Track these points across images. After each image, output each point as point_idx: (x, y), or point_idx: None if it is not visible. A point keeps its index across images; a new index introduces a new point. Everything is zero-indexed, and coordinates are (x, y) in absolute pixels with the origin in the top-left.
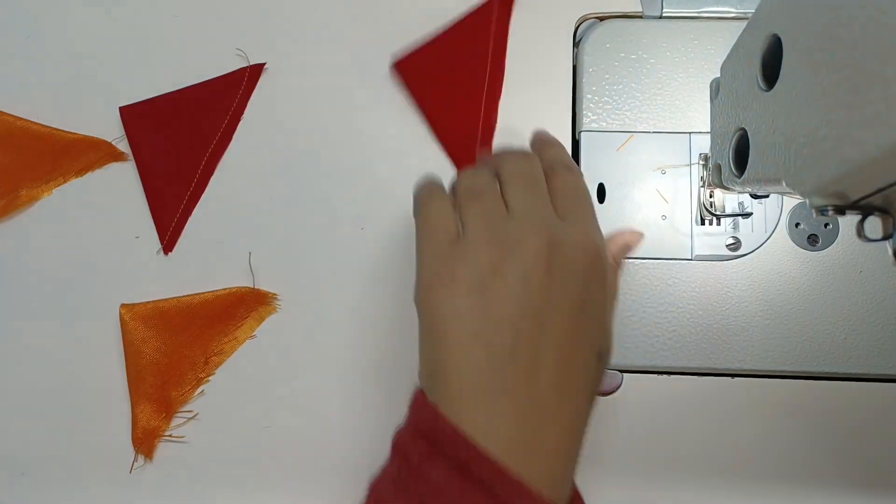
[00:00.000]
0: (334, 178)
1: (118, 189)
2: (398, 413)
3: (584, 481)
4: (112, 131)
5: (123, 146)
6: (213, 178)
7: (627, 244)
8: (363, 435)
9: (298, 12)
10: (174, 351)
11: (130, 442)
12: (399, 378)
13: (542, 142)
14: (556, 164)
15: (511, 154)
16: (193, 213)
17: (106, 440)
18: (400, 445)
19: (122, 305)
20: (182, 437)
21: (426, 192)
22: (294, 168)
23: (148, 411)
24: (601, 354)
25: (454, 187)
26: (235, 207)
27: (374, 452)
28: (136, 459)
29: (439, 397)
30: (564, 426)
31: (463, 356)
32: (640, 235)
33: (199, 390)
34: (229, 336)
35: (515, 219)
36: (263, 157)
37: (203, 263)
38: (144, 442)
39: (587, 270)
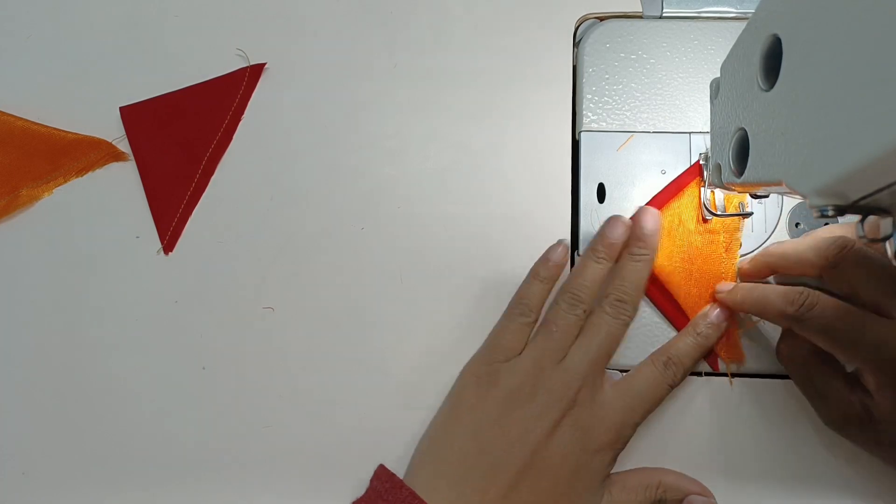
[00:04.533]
0: (334, 178)
1: (118, 189)
2: (398, 412)
3: None
4: (112, 131)
5: (124, 146)
6: (213, 178)
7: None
8: (363, 435)
9: (298, 12)
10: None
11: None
12: (399, 377)
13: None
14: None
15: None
16: (193, 213)
17: (106, 440)
18: None
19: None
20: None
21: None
22: (294, 168)
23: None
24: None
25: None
26: (235, 207)
27: (374, 452)
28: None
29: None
30: None
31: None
32: None
33: None
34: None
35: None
36: (263, 157)
37: (203, 263)
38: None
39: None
